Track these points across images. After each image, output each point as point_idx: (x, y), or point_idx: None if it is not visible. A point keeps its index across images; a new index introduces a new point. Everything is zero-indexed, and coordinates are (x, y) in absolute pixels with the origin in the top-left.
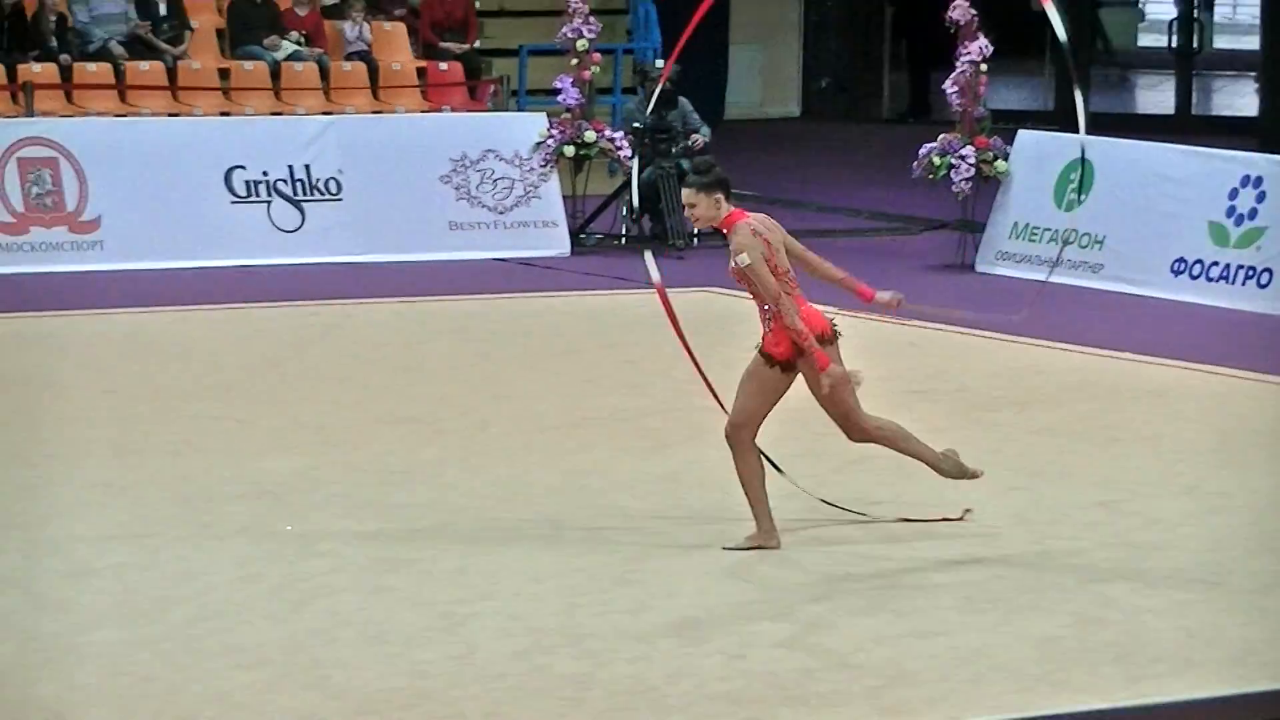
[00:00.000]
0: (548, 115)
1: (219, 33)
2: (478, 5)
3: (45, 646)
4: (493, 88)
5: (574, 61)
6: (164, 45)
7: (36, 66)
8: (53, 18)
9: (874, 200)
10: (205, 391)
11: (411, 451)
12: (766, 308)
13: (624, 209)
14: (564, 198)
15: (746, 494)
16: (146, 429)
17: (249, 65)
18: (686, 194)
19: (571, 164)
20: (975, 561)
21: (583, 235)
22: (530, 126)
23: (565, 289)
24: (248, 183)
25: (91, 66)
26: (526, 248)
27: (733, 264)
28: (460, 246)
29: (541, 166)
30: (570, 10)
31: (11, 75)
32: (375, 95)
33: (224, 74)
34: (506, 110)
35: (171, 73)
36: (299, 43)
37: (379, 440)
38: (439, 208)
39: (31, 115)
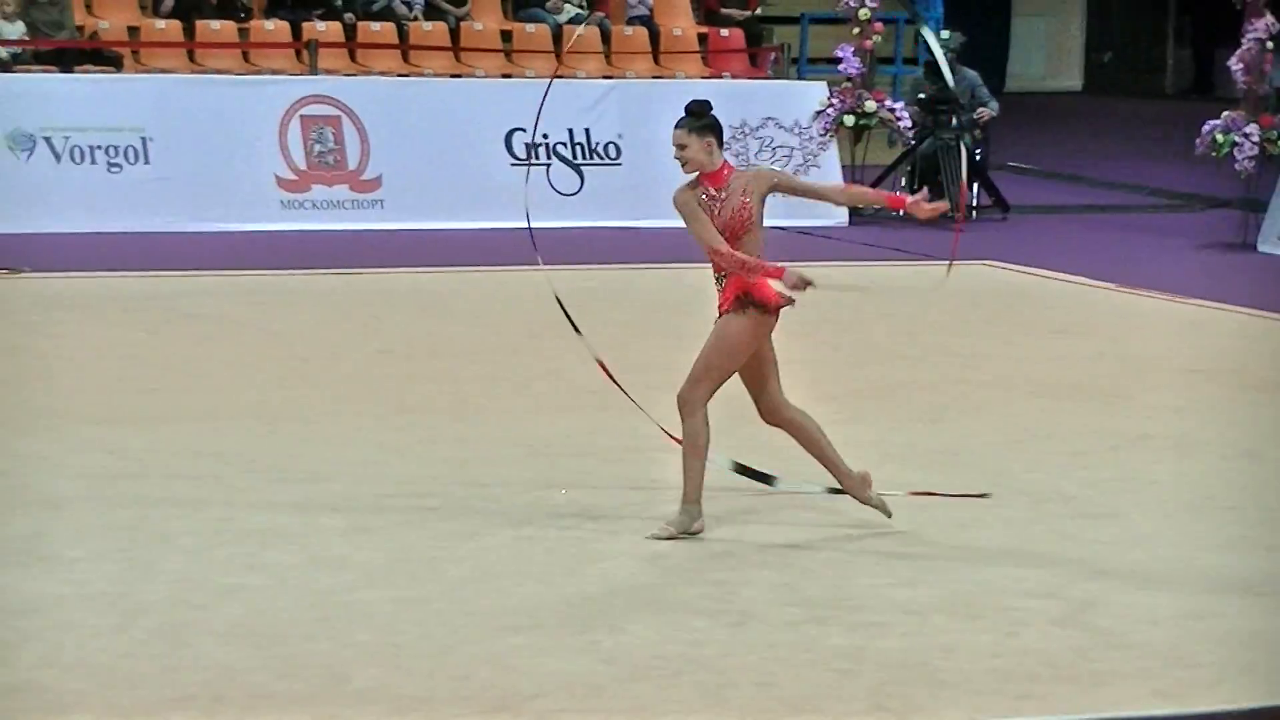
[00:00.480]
0: (828, 84)
1: None
2: None
3: (322, 604)
4: (773, 55)
5: (855, 30)
6: (447, 5)
7: (321, 25)
8: None
9: (1155, 176)
10: (485, 353)
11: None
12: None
13: (903, 179)
14: (843, 167)
15: (684, 461)
16: (426, 389)
17: (531, 28)
18: (678, 134)
19: (851, 133)
20: (1265, 548)
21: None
22: (810, 95)
23: (842, 258)
24: (527, 145)
25: (375, 26)
26: (804, 217)
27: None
28: None
29: (821, 135)
30: None
31: (296, 33)
32: (656, 60)
33: (506, 36)
34: (787, 78)
35: (454, 33)
36: (581, 6)
37: (651, 406)
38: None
39: (315, 73)
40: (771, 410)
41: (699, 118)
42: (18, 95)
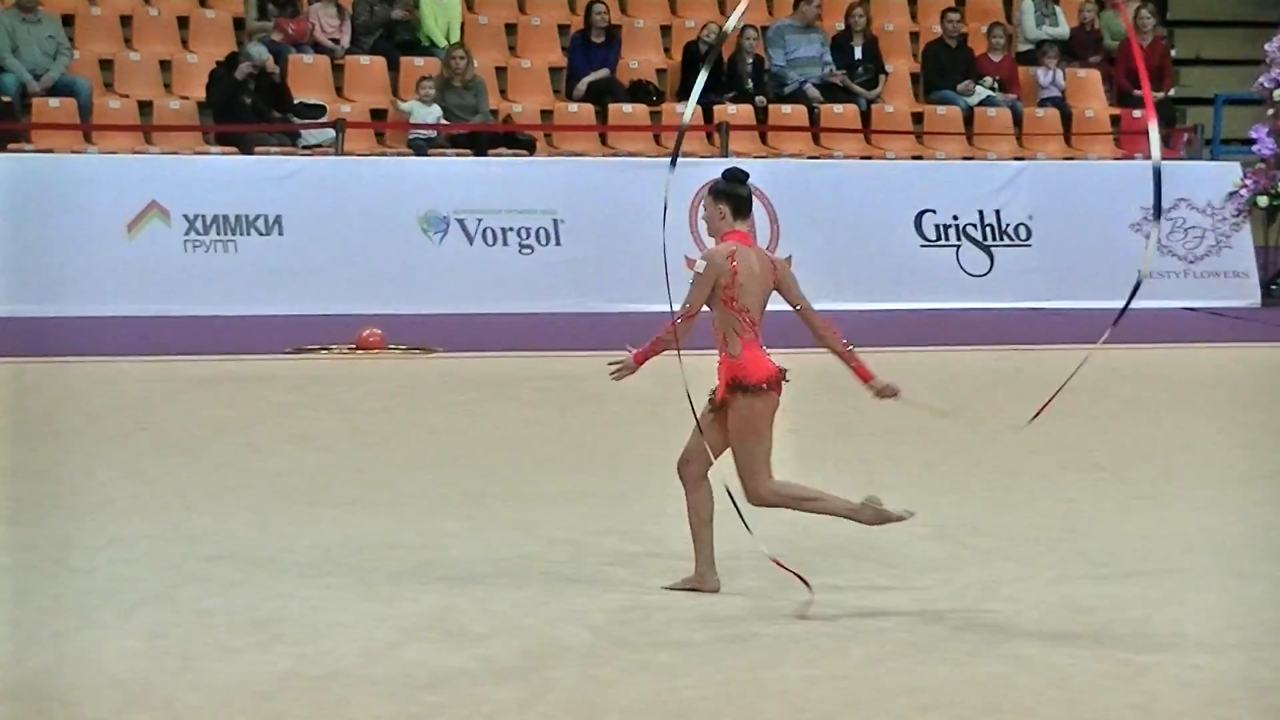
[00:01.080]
0: (1242, 165)
1: (913, 77)
2: (1174, 54)
3: (731, 679)
4: (1186, 136)
5: (1270, 111)
6: (859, 89)
7: (732, 108)
8: (750, 60)
9: None
10: (886, 432)
11: (1092, 500)
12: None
13: None
14: (1256, 248)
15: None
16: (828, 467)
17: (942, 110)
18: (705, 200)
19: (1264, 214)
20: None
21: (1274, 286)
22: (1224, 176)
23: (1255, 340)
24: (937, 226)
25: (786, 108)
26: (1216, 297)
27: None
28: (1148, 295)
29: (1234, 216)
30: (1268, 60)
31: (709, 116)
32: (1068, 141)
33: (917, 118)
34: (1200, 159)
35: (865, 115)
36: (992, 88)
37: (1061, 485)
38: (1128, 256)
39: (726, 155)
40: (758, 496)
41: (722, 182)
42: (432, 178)
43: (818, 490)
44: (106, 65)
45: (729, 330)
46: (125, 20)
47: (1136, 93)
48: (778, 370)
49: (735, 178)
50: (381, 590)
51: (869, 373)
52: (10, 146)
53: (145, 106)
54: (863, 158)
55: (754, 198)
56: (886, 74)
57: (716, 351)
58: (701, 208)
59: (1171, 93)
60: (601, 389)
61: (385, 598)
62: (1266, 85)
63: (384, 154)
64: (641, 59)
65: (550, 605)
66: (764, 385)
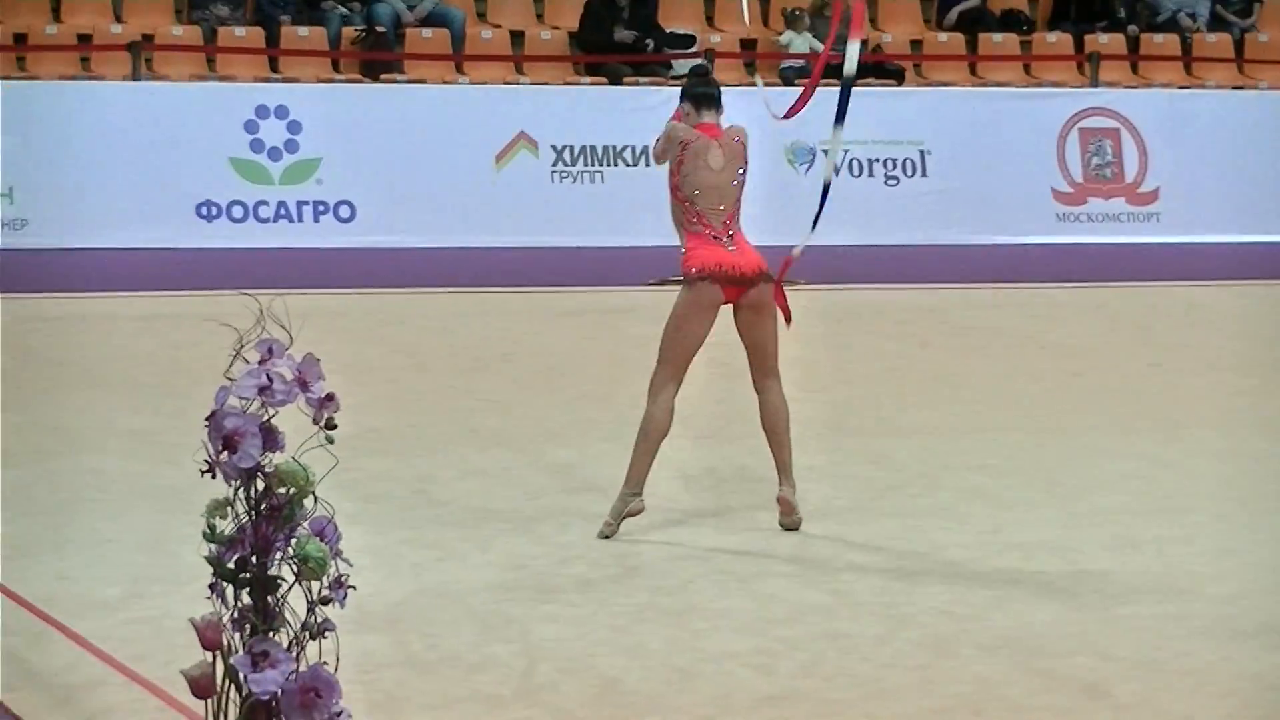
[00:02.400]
0: None
1: None
2: None
3: (1082, 618)
4: None
5: None
6: (1232, 17)
7: (1103, 37)
8: None
9: None
10: (1256, 367)
11: None
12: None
13: None
14: None
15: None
16: (1194, 404)
17: None
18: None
19: None
20: None
21: None
22: None
23: None
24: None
25: (1158, 38)
26: None
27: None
28: None
29: None
30: None
31: (1079, 45)
32: None
33: None
34: None
35: (1239, 45)
36: None
37: None
38: None
39: (1095, 85)
40: (765, 378)
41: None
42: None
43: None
44: None
45: (677, 221)
46: None
47: None
48: (714, 264)
49: (696, 73)
50: (736, 523)
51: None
52: (383, 77)
53: (517, 36)
54: (1235, 88)
55: (719, 90)
56: (1261, 2)
57: None
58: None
59: None
60: (966, 321)
61: (740, 529)
62: None
63: (751, 85)
64: None
65: (910, 537)
66: (691, 274)
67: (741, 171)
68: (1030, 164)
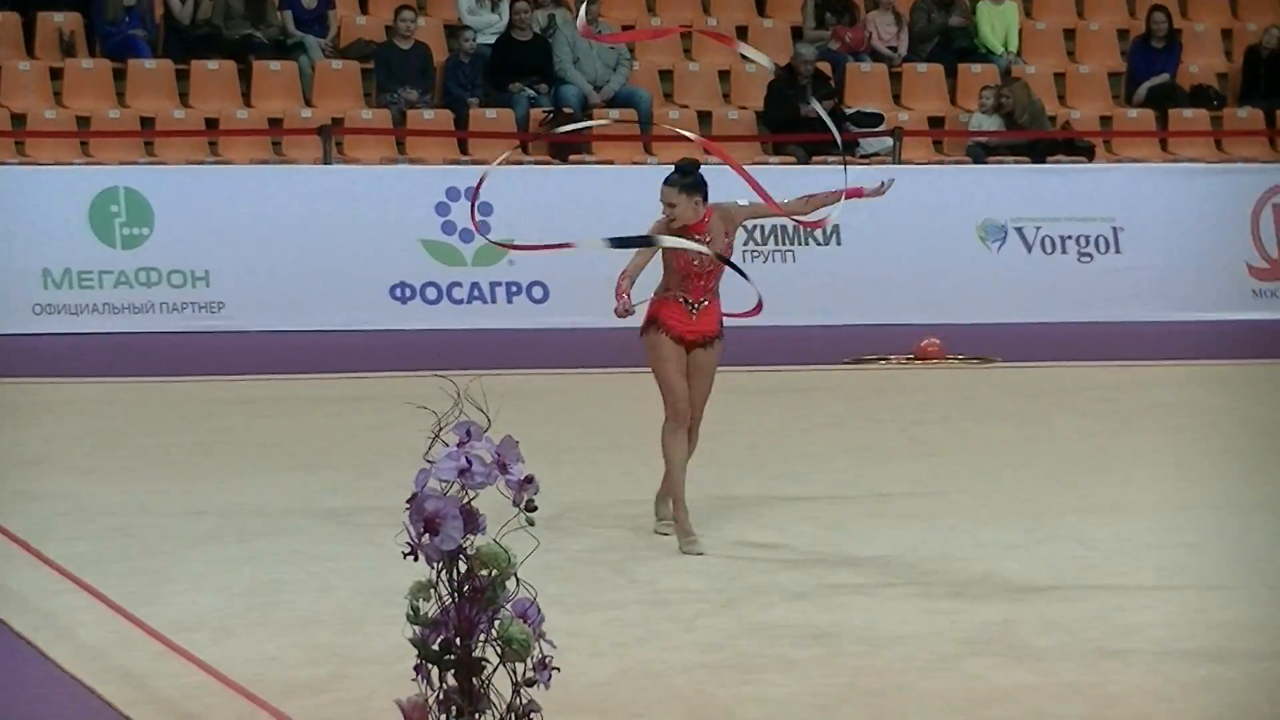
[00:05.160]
0: None
1: None
2: None
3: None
4: None
5: None
6: None
7: None
8: None
9: None
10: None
11: None
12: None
13: None
14: None
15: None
16: None
17: None
18: (668, 192)
19: None
20: None
21: None
22: None
23: None
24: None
25: None
26: None
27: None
28: None
29: None
30: None
31: (1270, 120)
32: None
33: None
34: None
35: None
36: None
37: None
38: None
39: None
40: (693, 419)
41: (686, 175)
42: (990, 186)
43: (678, 475)
44: (666, 76)
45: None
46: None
47: None
48: (665, 321)
49: (696, 164)
50: (941, 602)
51: (857, 188)
52: (572, 158)
53: (704, 116)
54: None
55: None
56: None
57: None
58: (667, 206)
59: None
60: (1165, 398)
61: (945, 610)
62: None
63: (942, 163)
64: (1202, 63)
65: (1112, 618)
66: (646, 322)
67: (723, 247)
68: (1224, 239)
